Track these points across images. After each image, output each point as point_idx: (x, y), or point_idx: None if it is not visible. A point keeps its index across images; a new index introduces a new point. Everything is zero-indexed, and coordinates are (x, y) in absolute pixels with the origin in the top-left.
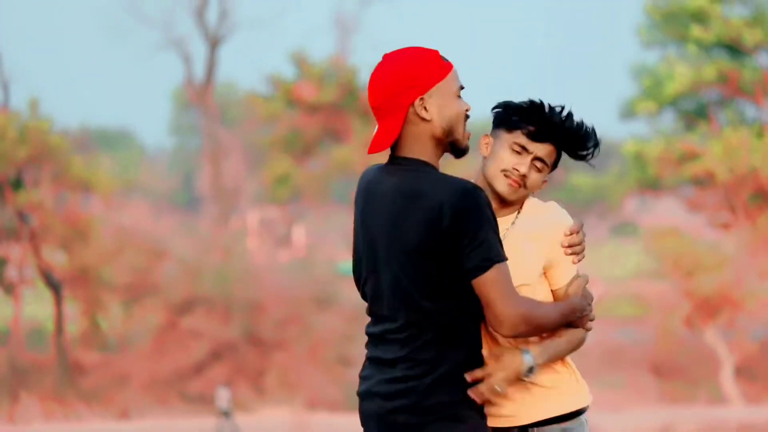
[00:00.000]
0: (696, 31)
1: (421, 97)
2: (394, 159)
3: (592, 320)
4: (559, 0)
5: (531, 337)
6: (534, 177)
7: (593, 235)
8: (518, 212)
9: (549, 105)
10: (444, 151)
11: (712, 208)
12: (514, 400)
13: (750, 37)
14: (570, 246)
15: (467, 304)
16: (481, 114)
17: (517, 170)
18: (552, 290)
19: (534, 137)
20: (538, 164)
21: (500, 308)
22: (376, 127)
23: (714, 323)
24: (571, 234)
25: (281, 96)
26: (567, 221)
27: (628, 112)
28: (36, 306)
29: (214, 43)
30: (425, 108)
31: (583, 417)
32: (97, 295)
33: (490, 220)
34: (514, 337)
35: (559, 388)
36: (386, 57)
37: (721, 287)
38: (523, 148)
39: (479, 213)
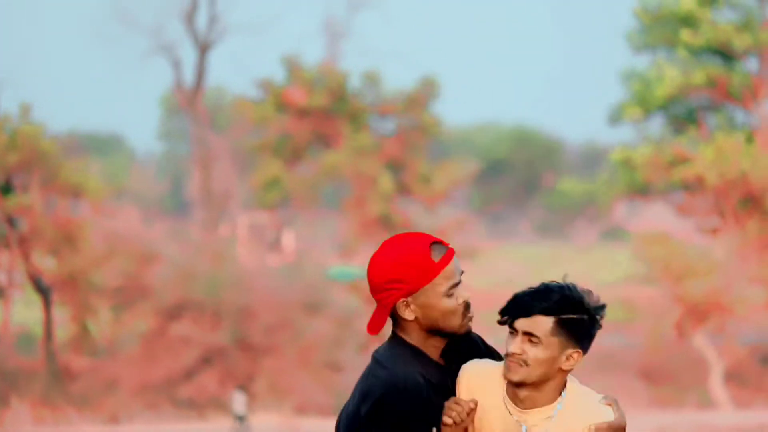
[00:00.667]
0: (685, 35)
1: (404, 299)
2: (393, 331)
3: None
4: (554, 6)
5: None
6: (531, 352)
7: (583, 240)
8: (561, 400)
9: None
10: (442, 335)
11: (702, 213)
12: None
13: (739, 42)
14: None
15: None
16: (476, 116)
17: (508, 352)
18: None
19: (512, 317)
20: (531, 338)
21: None
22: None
23: (704, 328)
24: None
25: (271, 100)
26: (606, 417)
27: (617, 118)
28: (25, 311)
29: (203, 49)
30: (409, 309)
31: None
32: (86, 300)
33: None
34: None
35: None
36: (382, 246)
37: (711, 292)
38: (512, 331)
39: (376, 425)
